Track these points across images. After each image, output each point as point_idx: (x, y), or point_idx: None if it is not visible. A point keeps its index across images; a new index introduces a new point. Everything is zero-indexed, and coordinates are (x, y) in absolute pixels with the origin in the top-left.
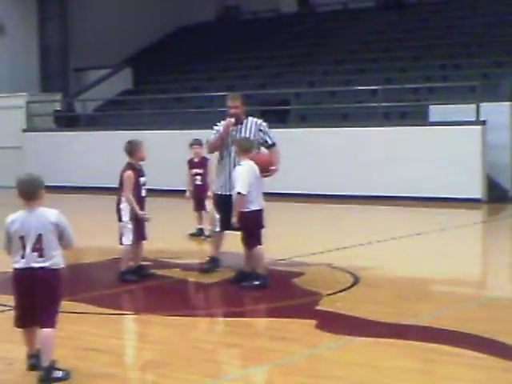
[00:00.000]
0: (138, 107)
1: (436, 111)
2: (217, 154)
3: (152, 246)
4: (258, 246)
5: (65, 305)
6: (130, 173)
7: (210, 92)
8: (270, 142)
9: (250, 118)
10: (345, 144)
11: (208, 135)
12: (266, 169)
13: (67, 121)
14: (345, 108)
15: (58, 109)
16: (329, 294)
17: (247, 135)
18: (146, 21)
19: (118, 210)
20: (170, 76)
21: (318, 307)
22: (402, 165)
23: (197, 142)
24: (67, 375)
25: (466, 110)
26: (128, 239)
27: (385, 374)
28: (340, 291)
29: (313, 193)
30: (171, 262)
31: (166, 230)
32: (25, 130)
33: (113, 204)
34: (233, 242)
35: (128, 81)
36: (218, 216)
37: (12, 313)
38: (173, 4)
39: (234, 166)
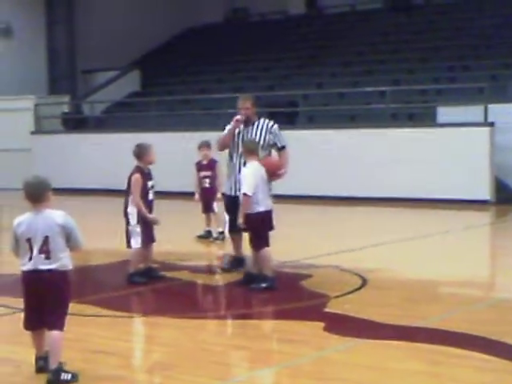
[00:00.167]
0: (146, 109)
1: (444, 113)
2: (226, 155)
3: (160, 248)
4: (265, 248)
5: (73, 307)
6: (138, 176)
7: (218, 94)
8: (279, 144)
9: (262, 120)
10: (353, 145)
11: (215, 137)
12: (274, 172)
13: (75, 123)
14: (353, 109)
15: (66, 111)
16: (337, 296)
17: (257, 137)
18: (153, 22)
19: (126, 213)
20: (177, 78)
21: (326, 309)
22: (409, 166)
23: (205, 144)
24: (75, 377)
25: (474, 112)
26: (137, 242)
27: (393, 377)
28: (348, 293)
29: (321, 194)
30: (179, 264)
31: (174, 232)
32: (33, 133)
33: (121, 206)
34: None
35: (136, 83)
36: (227, 217)
37: (20, 315)
38: (180, 5)
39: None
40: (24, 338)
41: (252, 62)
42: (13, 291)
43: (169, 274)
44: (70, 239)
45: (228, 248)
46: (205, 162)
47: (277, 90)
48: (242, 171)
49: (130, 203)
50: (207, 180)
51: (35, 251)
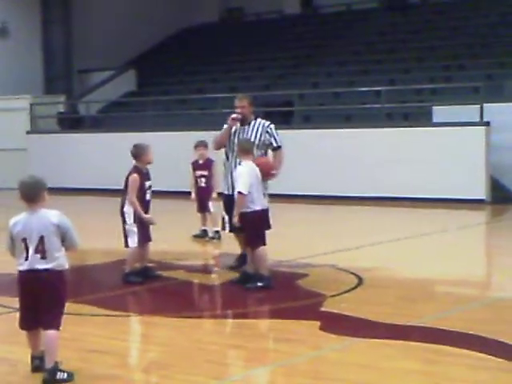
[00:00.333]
0: (142, 109)
1: (440, 112)
2: (223, 155)
3: (156, 247)
4: (261, 247)
5: (69, 306)
6: (135, 176)
7: (214, 93)
8: (275, 144)
9: (259, 120)
10: (348, 145)
11: (211, 137)
12: (266, 172)
13: (71, 122)
14: (348, 109)
15: (62, 111)
16: (333, 296)
17: (252, 136)
18: (149, 22)
19: (122, 213)
20: (173, 77)
21: (322, 308)
22: (405, 166)
23: (202, 144)
24: (71, 377)
25: (469, 111)
26: (133, 242)
27: (388, 376)
28: (344, 292)
29: (316, 194)
30: (175, 264)
31: (170, 232)
32: (29, 132)
33: (117, 206)
34: (234, 243)
35: (132, 82)
36: (227, 216)
37: (16, 315)
38: (176, 5)
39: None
40: (20, 338)
41: (247, 62)
42: (9, 291)
43: (165, 274)
44: (65, 239)
45: (224, 247)
46: (201, 162)
47: (272, 89)
48: (236, 170)
49: (126, 203)
50: (203, 179)
51: (31, 251)
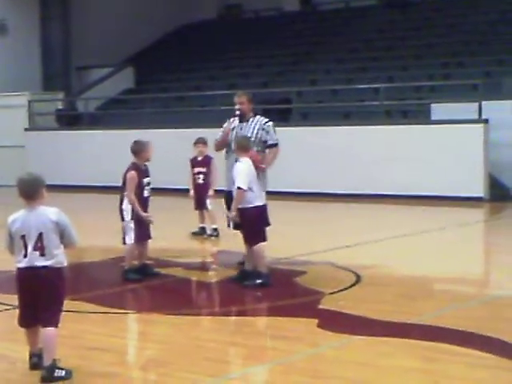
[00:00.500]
0: (140, 106)
1: (438, 110)
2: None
3: (154, 244)
4: (260, 244)
5: (67, 304)
6: (133, 173)
7: (212, 91)
8: (269, 142)
9: (257, 117)
10: (347, 142)
11: (209, 134)
12: (254, 166)
13: (69, 120)
14: (347, 106)
15: (60, 108)
16: (331, 293)
17: (249, 133)
18: (147, 19)
19: (121, 210)
20: (171, 75)
21: (321, 306)
22: (404, 163)
23: (201, 141)
24: (69, 374)
25: (468, 109)
26: (130, 238)
27: (387, 374)
28: (342, 290)
29: (315, 191)
30: (173, 261)
31: (169, 229)
32: (27, 129)
33: (115, 203)
34: (233, 240)
35: (130, 79)
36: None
37: (14, 312)
38: (174, 3)
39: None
40: (18, 335)
41: (246, 59)
42: (7, 288)
43: (163, 271)
44: (63, 236)
45: (223, 245)
46: (200, 158)
47: (271, 86)
48: (235, 166)
49: (124, 200)
50: (201, 176)
51: (30, 248)
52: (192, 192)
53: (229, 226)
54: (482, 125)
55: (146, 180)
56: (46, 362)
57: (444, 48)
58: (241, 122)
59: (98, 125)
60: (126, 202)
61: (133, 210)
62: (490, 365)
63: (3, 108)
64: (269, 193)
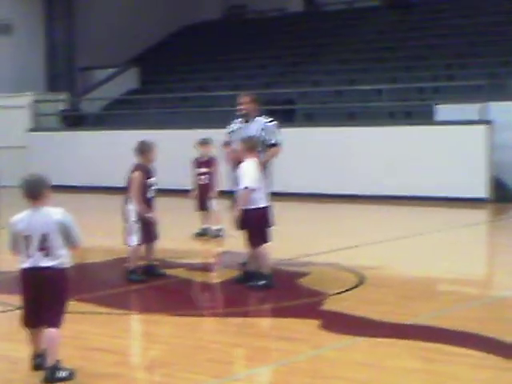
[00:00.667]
0: (145, 106)
1: (442, 111)
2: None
3: (157, 245)
4: (264, 246)
5: (70, 304)
6: (137, 174)
7: (216, 91)
8: (267, 142)
9: (261, 117)
10: (350, 143)
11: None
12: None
13: (73, 120)
14: (350, 107)
15: (64, 108)
16: (334, 294)
17: (252, 133)
18: (152, 20)
19: (125, 211)
20: (176, 75)
21: (323, 307)
22: (407, 164)
23: (205, 142)
24: (72, 375)
25: (472, 110)
26: (134, 240)
27: (389, 375)
28: (345, 291)
29: (318, 192)
30: (176, 262)
31: (172, 230)
32: (31, 130)
33: (118, 203)
34: (236, 241)
35: (134, 80)
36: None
37: (17, 312)
38: (179, 3)
39: None
40: (21, 336)
41: (250, 60)
42: (10, 289)
43: (166, 272)
44: (68, 237)
45: (226, 245)
46: (204, 159)
47: (274, 87)
48: (241, 166)
49: (129, 200)
50: (204, 177)
51: (34, 249)
52: (194, 193)
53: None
54: (486, 126)
55: (150, 180)
56: (49, 362)
57: (448, 49)
58: (246, 122)
59: (102, 125)
60: (130, 202)
61: (137, 211)
62: (493, 366)
63: (7, 108)
64: (273, 194)
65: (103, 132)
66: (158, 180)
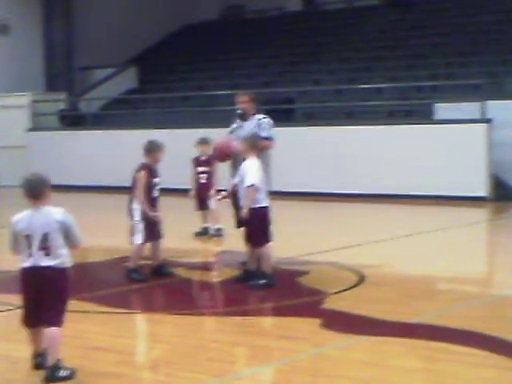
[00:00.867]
0: (143, 106)
1: (441, 109)
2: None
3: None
4: (267, 244)
5: (70, 304)
6: (143, 173)
7: (215, 91)
8: (262, 135)
9: (257, 115)
10: (350, 142)
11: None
12: (226, 153)
13: (72, 120)
14: (350, 106)
15: (63, 108)
16: (334, 293)
17: (246, 132)
18: (150, 19)
19: (130, 210)
20: (174, 75)
21: (324, 306)
22: (407, 163)
23: (204, 141)
24: (72, 374)
25: (471, 108)
26: (138, 239)
27: (391, 373)
28: (345, 290)
29: (318, 191)
30: (177, 261)
31: (172, 229)
32: (30, 130)
33: (118, 203)
34: (236, 240)
35: (133, 80)
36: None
37: (18, 312)
38: (177, 2)
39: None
40: (21, 335)
41: (249, 59)
42: (10, 288)
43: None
44: (68, 236)
45: (226, 245)
46: (203, 158)
47: (274, 86)
48: (244, 164)
49: (134, 199)
50: (203, 176)
51: (35, 248)
52: (193, 192)
53: (238, 226)
54: (485, 124)
55: (155, 180)
56: (50, 361)
57: (447, 48)
58: (243, 120)
59: (101, 125)
60: (135, 201)
61: (142, 211)
62: (495, 364)
63: (6, 108)
64: (272, 193)
65: (102, 132)
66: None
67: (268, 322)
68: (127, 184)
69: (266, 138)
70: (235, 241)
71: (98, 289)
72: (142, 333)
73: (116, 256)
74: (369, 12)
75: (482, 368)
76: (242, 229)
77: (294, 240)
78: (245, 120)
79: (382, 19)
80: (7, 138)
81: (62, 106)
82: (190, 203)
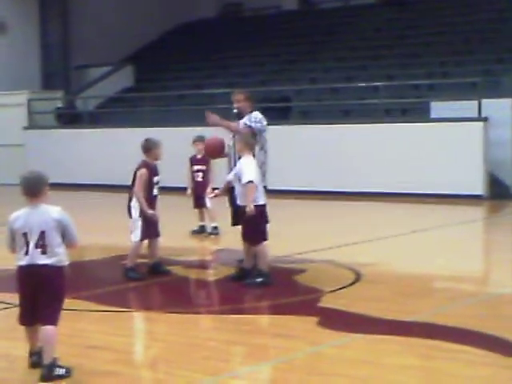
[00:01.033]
0: (140, 104)
1: (437, 108)
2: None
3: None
4: (264, 242)
5: (67, 302)
6: (143, 171)
7: (212, 89)
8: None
9: (253, 114)
10: (346, 141)
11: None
12: (217, 151)
13: (69, 118)
14: (346, 105)
15: (60, 106)
16: (331, 291)
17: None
18: (147, 18)
19: (129, 207)
20: (171, 73)
21: (321, 304)
22: (403, 161)
23: (200, 139)
24: (69, 373)
25: (467, 107)
26: (136, 236)
27: (387, 371)
28: (342, 288)
29: (314, 189)
30: (173, 259)
31: (168, 228)
32: (26, 128)
33: (115, 201)
34: (233, 238)
35: (129, 78)
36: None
37: (14, 310)
38: (174, 1)
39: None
40: (18, 334)
41: (245, 57)
42: (7, 286)
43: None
44: (65, 235)
45: (222, 243)
46: (199, 156)
47: (270, 85)
48: (240, 162)
49: (133, 197)
50: (200, 174)
51: (31, 246)
52: (189, 190)
53: (234, 224)
54: (481, 123)
55: (155, 178)
56: (46, 360)
57: (443, 46)
58: (239, 119)
59: (98, 123)
60: (134, 199)
61: (141, 208)
62: (491, 362)
63: (2, 107)
64: (268, 191)
65: (99, 130)
66: None
67: (264, 320)
68: (124, 182)
69: (249, 127)
70: (232, 239)
71: (95, 287)
72: (139, 331)
73: (113, 254)
74: (365, 11)
75: (478, 366)
76: (237, 227)
77: (290, 238)
78: (241, 119)
79: (377, 18)
80: (4, 137)
81: (58, 104)
82: (186, 201)
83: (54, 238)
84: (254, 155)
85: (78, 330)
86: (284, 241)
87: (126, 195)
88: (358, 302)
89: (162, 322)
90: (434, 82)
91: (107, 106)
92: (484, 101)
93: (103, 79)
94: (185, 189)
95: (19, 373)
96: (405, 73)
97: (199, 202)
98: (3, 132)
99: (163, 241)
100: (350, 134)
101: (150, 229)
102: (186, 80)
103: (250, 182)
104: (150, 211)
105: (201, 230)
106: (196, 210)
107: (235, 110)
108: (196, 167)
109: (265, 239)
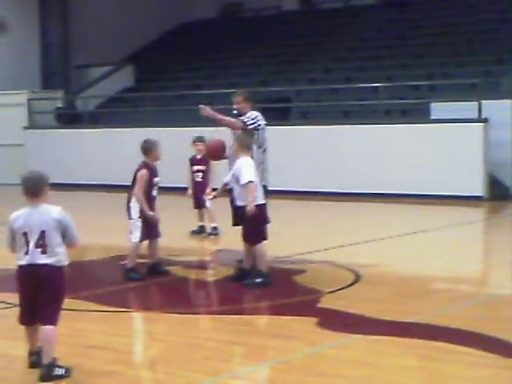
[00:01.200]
0: (140, 104)
1: (437, 109)
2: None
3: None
4: (262, 242)
5: (66, 302)
6: (144, 172)
7: (212, 89)
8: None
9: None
10: (346, 142)
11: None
12: (218, 154)
13: (69, 118)
14: (346, 105)
15: (60, 106)
16: (330, 292)
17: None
18: (147, 18)
19: (128, 208)
20: (171, 73)
21: (320, 305)
22: (403, 162)
23: (199, 139)
24: (68, 372)
25: (467, 108)
26: (136, 236)
27: (387, 372)
28: (342, 289)
29: (314, 190)
30: (173, 260)
31: (168, 228)
32: (26, 128)
33: (115, 201)
34: (232, 239)
35: (129, 78)
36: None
37: (14, 310)
38: (175, 1)
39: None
40: (17, 334)
41: (245, 58)
42: (7, 286)
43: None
44: (65, 235)
45: (222, 243)
46: (199, 157)
47: (270, 85)
48: (238, 163)
49: (132, 197)
50: (200, 174)
51: (32, 245)
52: (190, 190)
53: (234, 224)
54: (481, 124)
55: (155, 179)
56: (45, 360)
57: (443, 47)
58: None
59: (98, 123)
60: (133, 199)
61: (140, 209)
62: (490, 364)
63: (2, 106)
64: (268, 191)
65: (99, 130)
66: None
67: (263, 320)
68: (124, 182)
69: (244, 122)
70: (232, 239)
71: (94, 287)
72: (138, 331)
73: (113, 254)
74: (365, 11)
75: (478, 367)
76: (237, 227)
77: (290, 239)
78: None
79: (378, 18)
80: (4, 136)
81: (58, 104)
82: (186, 202)
83: (54, 238)
84: (251, 156)
85: (78, 329)
86: (284, 241)
87: (126, 195)
88: (358, 303)
89: (162, 322)
90: (434, 82)
91: (107, 106)
92: (484, 102)
93: (103, 79)
94: (185, 189)
95: (18, 372)
96: (405, 73)
97: (199, 203)
98: (3, 132)
99: (163, 241)
100: (349, 135)
101: (150, 230)
102: (186, 80)
103: (250, 182)
104: (150, 213)
105: (200, 231)
106: (196, 211)
107: (235, 111)
108: (196, 167)
109: (264, 239)
